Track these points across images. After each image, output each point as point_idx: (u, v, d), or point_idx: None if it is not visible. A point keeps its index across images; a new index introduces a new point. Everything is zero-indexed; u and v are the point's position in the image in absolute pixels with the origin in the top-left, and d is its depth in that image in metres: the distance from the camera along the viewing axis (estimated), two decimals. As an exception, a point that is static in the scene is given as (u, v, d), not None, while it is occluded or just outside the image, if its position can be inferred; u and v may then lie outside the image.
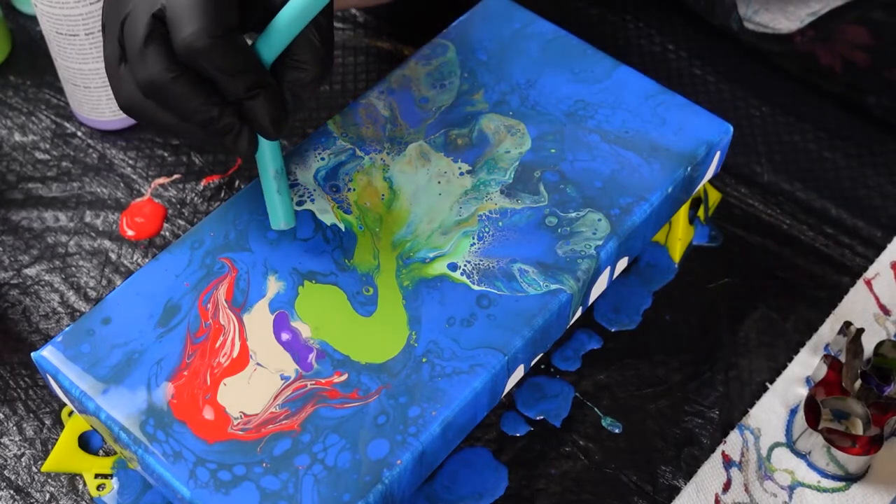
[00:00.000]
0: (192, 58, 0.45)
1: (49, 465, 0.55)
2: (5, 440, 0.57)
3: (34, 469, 0.56)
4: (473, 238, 0.54)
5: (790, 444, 0.57)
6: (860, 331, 0.58)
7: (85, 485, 0.55)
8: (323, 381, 0.49)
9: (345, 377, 0.49)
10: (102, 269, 0.63)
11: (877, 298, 0.62)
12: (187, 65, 0.46)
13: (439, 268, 0.53)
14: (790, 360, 0.60)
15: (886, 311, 0.61)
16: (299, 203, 0.55)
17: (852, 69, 0.66)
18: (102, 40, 0.49)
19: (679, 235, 0.64)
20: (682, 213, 0.64)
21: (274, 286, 0.52)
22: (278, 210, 0.52)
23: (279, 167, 0.52)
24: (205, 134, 0.48)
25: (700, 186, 0.61)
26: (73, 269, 0.63)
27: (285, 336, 0.51)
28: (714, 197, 0.66)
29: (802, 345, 0.60)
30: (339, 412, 0.48)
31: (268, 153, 0.51)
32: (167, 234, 0.64)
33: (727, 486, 0.55)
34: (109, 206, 0.65)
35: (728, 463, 0.56)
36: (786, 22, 0.67)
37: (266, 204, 0.53)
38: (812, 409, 0.55)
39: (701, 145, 0.58)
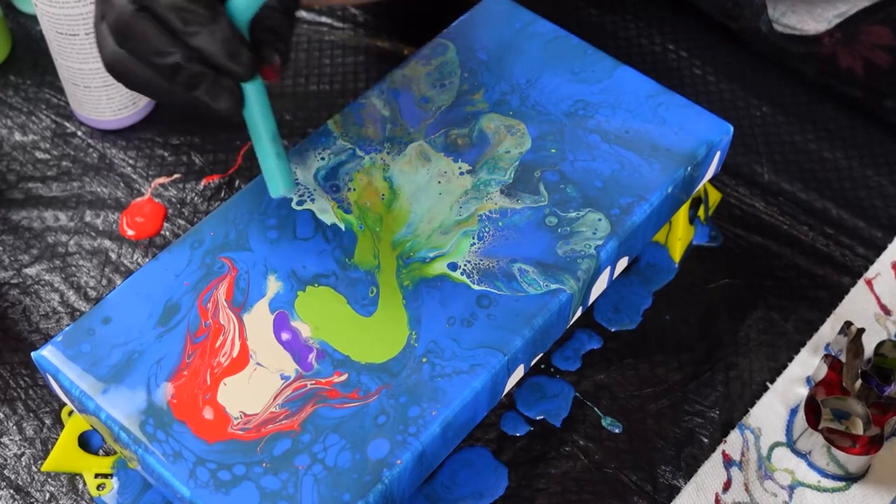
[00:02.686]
0: None
1: (49, 464, 0.55)
2: (5, 440, 0.57)
3: (34, 469, 0.56)
4: (473, 238, 0.54)
5: (790, 444, 0.57)
6: (861, 331, 0.58)
7: (85, 485, 0.55)
8: (323, 380, 0.49)
9: (345, 377, 0.49)
10: (102, 269, 0.63)
11: (877, 298, 0.62)
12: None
13: (439, 267, 0.53)
14: (790, 359, 0.60)
15: (887, 311, 0.61)
16: (299, 203, 0.55)
17: (873, 70, 0.66)
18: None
19: (679, 235, 0.64)
20: (682, 213, 0.64)
21: (274, 286, 0.52)
22: (277, 177, 0.51)
23: (274, 130, 0.50)
24: (178, 89, 0.47)
25: (700, 186, 0.61)
26: (73, 268, 0.63)
27: (285, 336, 0.51)
28: (714, 197, 0.66)
29: (803, 345, 0.60)
30: (339, 412, 0.48)
31: (258, 115, 0.49)
32: (167, 233, 0.64)
33: (727, 486, 0.55)
34: (109, 206, 0.65)
35: (728, 462, 0.56)
36: (813, 24, 0.67)
37: (263, 171, 0.51)
38: (812, 409, 0.55)
39: (701, 145, 0.58)
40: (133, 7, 0.46)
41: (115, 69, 0.48)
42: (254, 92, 0.49)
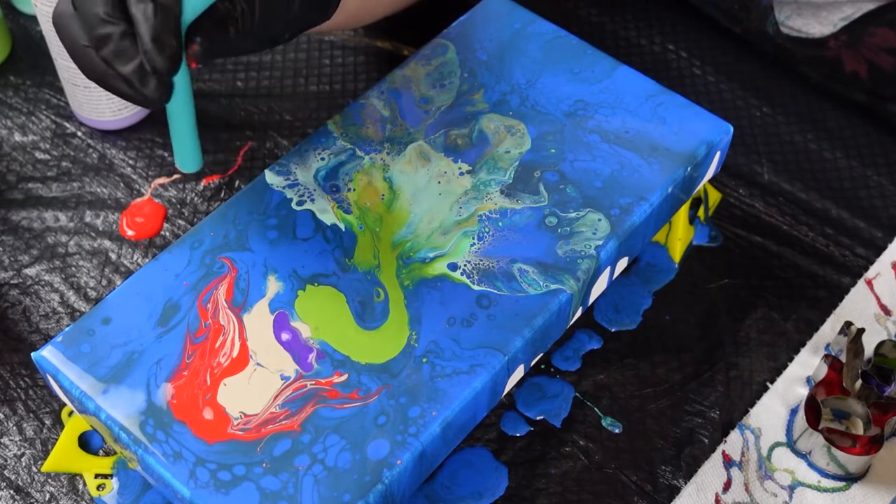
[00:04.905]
0: None
1: (49, 465, 0.55)
2: (5, 440, 0.57)
3: (34, 469, 0.56)
4: (473, 238, 0.54)
5: (791, 444, 0.57)
6: (861, 331, 0.58)
7: (85, 485, 0.55)
8: (323, 381, 0.49)
9: (345, 377, 0.49)
10: (102, 269, 0.63)
11: (878, 298, 0.62)
12: None
13: (439, 268, 0.53)
14: (791, 359, 0.60)
15: (887, 312, 0.61)
16: (299, 203, 0.55)
17: (878, 74, 0.66)
18: None
19: (679, 235, 0.64)
20: (682, 213, 0.64)
21: (274, 286, 0.52)
22: (189, 153, 0.51)
23: (193, 112, 0.49)
24: (102, 60, 0.46)
25: (700, 186, 0.61)
26: (73, 269, 0.63)
27: (285, 336, 0.51)
28: (714, 197, 0.66)
29: (803, 345, 0.60)
30: (339, 412, 0.48)
31: (181, 102, 0.49)
32: (167, 234, 0.64)
33: (727, 486, 0.55)
34: (109, 206, 0.65)
35: (728, 462, 0.56)
36: (818, 27, 0.67)
37: (175, 147, 0.50)
38: (812, 409, 0.55)
39: (701, 145, 0.58)
40: None
41: (58, 23, 0.47)
42: (179, 79, 0.48)
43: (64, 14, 0.47)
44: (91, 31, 0.46)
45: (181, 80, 0.48)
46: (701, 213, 0.65)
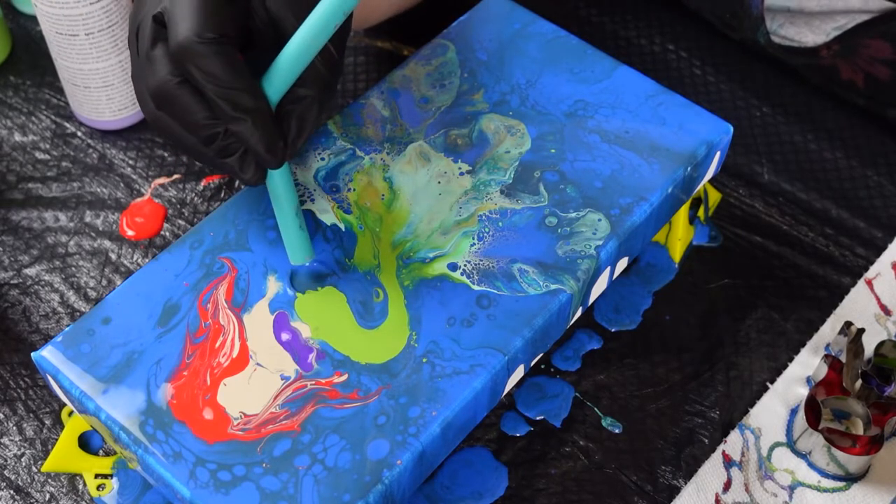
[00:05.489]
0: (183, 58, 0.45)
1: (49, 465, 0.55)
2: (5, 440, 0.57)
3: (34, 469, 0.56)
4: (473, 238, 0.54)
5: (791, 444, 0.57)
6: (861, 331, 0.58)
7: (85, 485, 0.55)
8: (323, 381, 0.49)
9: (345, 377, 0.49)
10: (102, 269, 0.63)
11: (878, 298, 0.62)
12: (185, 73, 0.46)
13: (439, 268, 0.53)
14: (791, 359, 0.60)
15: (887, 312, 0.61)
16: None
17: (874, 83, 0.66)
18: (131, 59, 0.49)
19: (679, 235, 0.64)
20: (682, 213, 0.64)
21: (274, 286, 0.52)
22: (297, 247, 0.52)
23: (296, 202, 0.51)
24: (210, 154, 0.48)
25: (700, 186, 0.61)
26: (73, 269, 0.63)
27: (285, 336, 0.51)
28: (714, 197, 0.66)
29: (803, 345, 0.60)
30: (339, 412, 0.48)
31: (281, 189, 0.50)
32: (167, 234, 0.64)
33: (727, 486, 0.55)
34: (109, 206, 0.65)
35: (728, 462, 0.56)
36: (811, 35, 0.67)
37: (284, 240, 0.52)
38: (812, 409, 0.55)
39: (701, 145, 0.58)
40: (176, 80, 0.46)
41: (157, 127, 0.48)
42: (279, 169, 0.50)
43: (159, 119, 0.47)
44: (197, 133, 0.47)
45: (283, 170, 0.50)
46: (701, 213, 0.65)
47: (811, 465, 0.56)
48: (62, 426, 0.57)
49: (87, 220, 0.65)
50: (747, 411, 0.58)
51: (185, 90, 0.46)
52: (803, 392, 0.58)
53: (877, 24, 0.64)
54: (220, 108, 0.46)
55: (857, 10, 0.65)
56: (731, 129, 0.59)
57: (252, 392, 0.49)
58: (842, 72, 0.67)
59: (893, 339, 0.59)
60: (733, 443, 0.57)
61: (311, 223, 0.54)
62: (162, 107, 0.47)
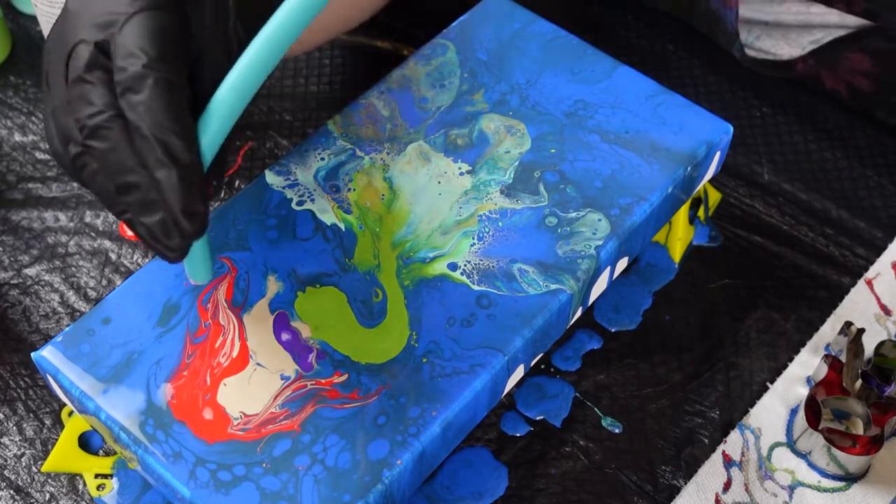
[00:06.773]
0: (133, 87, 0.41)
1: (49, 465, 0.55)
2: (5, 440, 0.57)
3: (34, 469, 0.56)
4: (473, 238, 0.54)
5: (791, 444, 0.57)
6: (861, 331, 0.58)
7: (85, 485, 0.55)
8: (323, 381, 0.49)
9: (345, 377, 0.49)
10: (102, 269, 0.63)
11: (878, 298, 0.62)
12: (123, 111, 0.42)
13: (439, 268, 0.53)
14: (791, 359, 0.60)
15: (887, 312, 0.61)
16: (299, 203, 0.55)
17: (857, 93, 0.67)
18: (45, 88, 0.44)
19: (679, 235, 0.64)
20: (682, 213, 0.64)
21: (274, 286, 0.52)
22: (199, 267, 0.48)
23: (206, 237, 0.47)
24: (122, 206, 0.42)
25: (700, 186, 0.61)
26: (73, 269, 0.63)
27: (285, 336, 0.51)
28: (714, 197, 0.66)
29: (803, 345, 0.60)
30: (339, 412, 0.48)
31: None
32: (167, 234, 0.64)
33: (727, 486, 0.55)
34: (109, 207, 0.65)
35: (728, 462, 0.56)
36: (787, 48, 0.67)
37: (186, 261, 0.48)
38: (812, 409, 0.55)
39: (701, 145, 0.58)
40: (111, 113, 0.42)
41: (74, 167, 0.43)
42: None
43: (79, 156, 0.43)
44: (114, 178, 0.42)
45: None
46: (701, 213, 0.65)
47: (811, 465, 0.56)
48: (62, 426, 0.57)
49: (87, 220, 0.65)
50: (747, 411, 0.58)
51: (118, 127, 0.42)
52: (803, 392, 0.58)
53: (856, 40, 0.64)
54: (150, 150, 0.41)
55: (835, 25, 0.66)
56: (731, 129, 0.59)
57: (252, 392, 0.49)
58: (825, 82, 0.68)
59: (893, 339, 0.59)
60: (733, 443, 0.57)
61: (312, 223, 0.54)
62: (88, 141, 0.42)
